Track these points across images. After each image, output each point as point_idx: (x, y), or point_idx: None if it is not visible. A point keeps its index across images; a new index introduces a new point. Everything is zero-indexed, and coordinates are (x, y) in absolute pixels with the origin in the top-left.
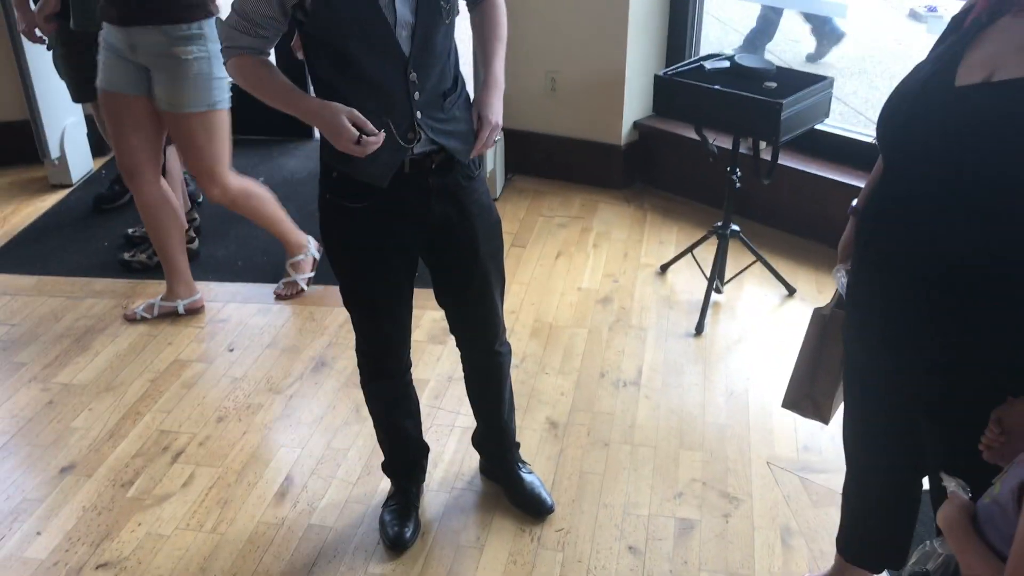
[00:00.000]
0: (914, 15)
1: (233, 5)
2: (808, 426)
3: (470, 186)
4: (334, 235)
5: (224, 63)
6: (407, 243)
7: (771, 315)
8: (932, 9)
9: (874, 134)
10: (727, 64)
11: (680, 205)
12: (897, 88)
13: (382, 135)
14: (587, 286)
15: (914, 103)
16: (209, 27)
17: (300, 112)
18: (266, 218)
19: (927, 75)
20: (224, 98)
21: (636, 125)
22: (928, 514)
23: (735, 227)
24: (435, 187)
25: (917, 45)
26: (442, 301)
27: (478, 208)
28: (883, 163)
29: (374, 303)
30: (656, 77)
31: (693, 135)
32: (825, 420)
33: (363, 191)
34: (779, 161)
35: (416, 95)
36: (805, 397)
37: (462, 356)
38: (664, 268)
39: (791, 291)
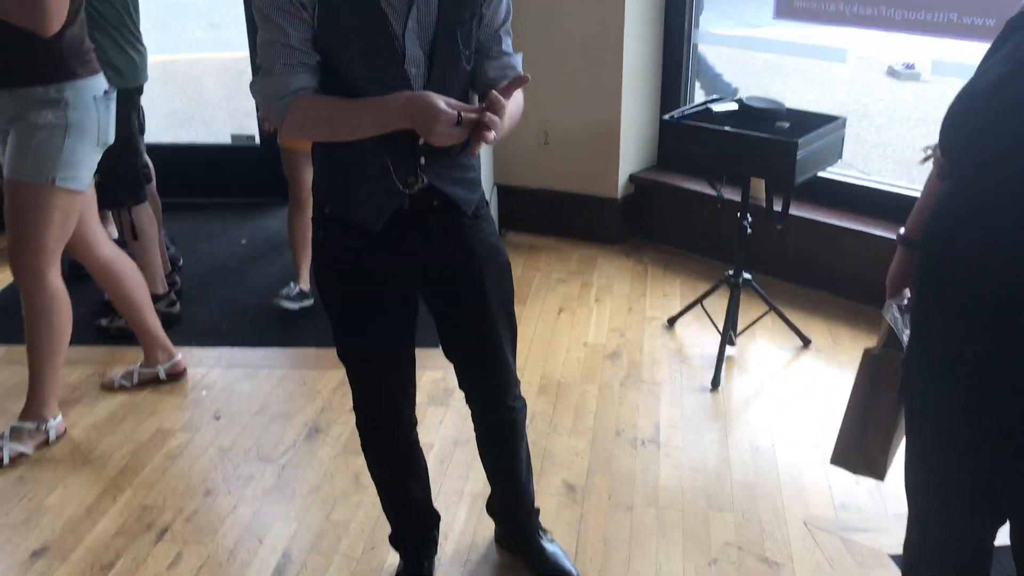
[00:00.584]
0: (892, 72)
1: (267, 44)
2: (843, 482)
3: (475, 225)
4: (327, 276)
5: (281, 121)
6: (406, 284)
7: (787, 367)
8: (909, 66)
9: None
10: (735, 106)
11: (680, 258)
12: (961, 94)
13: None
14: (593, 341)
15: (988, 105)
16: (72, 92)
17: (384, 115)
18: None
19: (998, 77)
20: (72, 177)
21: (632, 178)
22: (1005, 570)
23: (747, 275)
24: (436, 226)
25: (899, 99)
26: (449, 352)
27: (485, 249)
28: (951, 177)
29: (370, 350)
30: (663, 122)
31: (691, 186)
32: (880, 475)
33: (357, 228)
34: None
35: (421, 139)
36: (857, 451)
37: (472, 414)
38: (672, 321)
39: (806, 342)
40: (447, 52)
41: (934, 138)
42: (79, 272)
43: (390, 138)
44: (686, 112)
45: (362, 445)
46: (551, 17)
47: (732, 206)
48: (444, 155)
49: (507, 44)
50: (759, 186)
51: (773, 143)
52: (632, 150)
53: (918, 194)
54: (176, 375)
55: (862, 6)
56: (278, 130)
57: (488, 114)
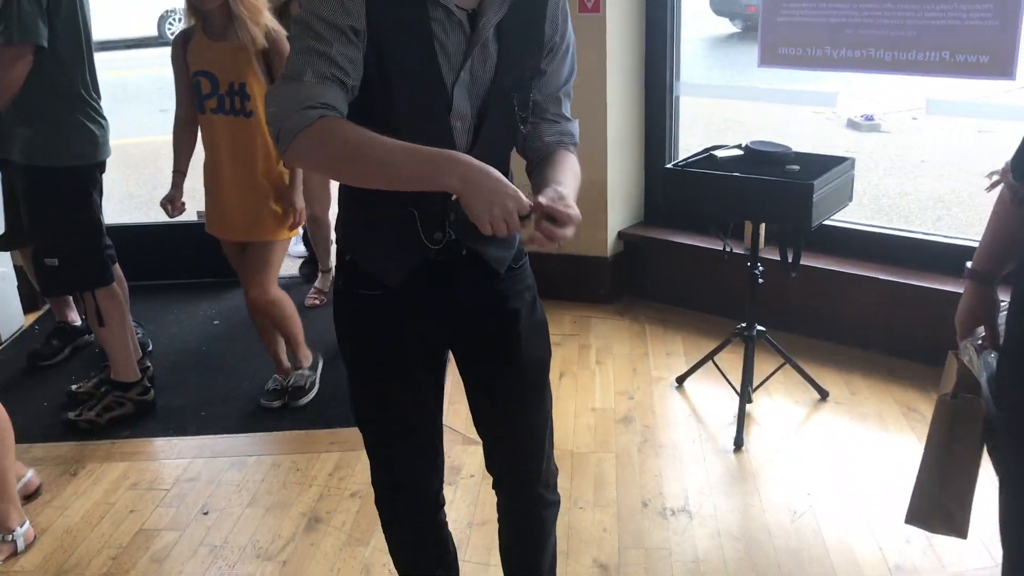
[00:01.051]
0: (852, 124)
1: (303, 51)
2: (893, 542)
3: (510, 279)
4: (345, 330)
5: (296, 135)
6: (431, 344)
7: (808, 422)
8: (869, 117)
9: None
10: (739, 151)
11: (677, 315)
12: None
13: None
14: (601, 406)
15: None
16: None
17: (433, 169)
18: None
19: None
20: None
21: (621, 235)
22: None
23: (760, 327)
24: (465, 282)
25: (863, 149)
26: (479, 425)
27: (520, 305)
28: None
29: (390, 416)
30: (666, 171)
31: (681, 240)
32: (962, 533)
33: (374, 279)
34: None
35: (454, 195)
36: (936, 508)
37: (498, 502)
38: (681, 380)
39: (824, 395)
40: (499, 114)
41: (909, 183)
42: (41, 363)
43: (423, 192)
44: (690, 160)
45: (382, 526)
46: None
47: (736, 257)
48: None
49: (566, 107)
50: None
51: (788, 186)
52: (619, 207)
53: (912, 234)
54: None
55: (850, 49)
56: (282, 150)
57: (560, 231)
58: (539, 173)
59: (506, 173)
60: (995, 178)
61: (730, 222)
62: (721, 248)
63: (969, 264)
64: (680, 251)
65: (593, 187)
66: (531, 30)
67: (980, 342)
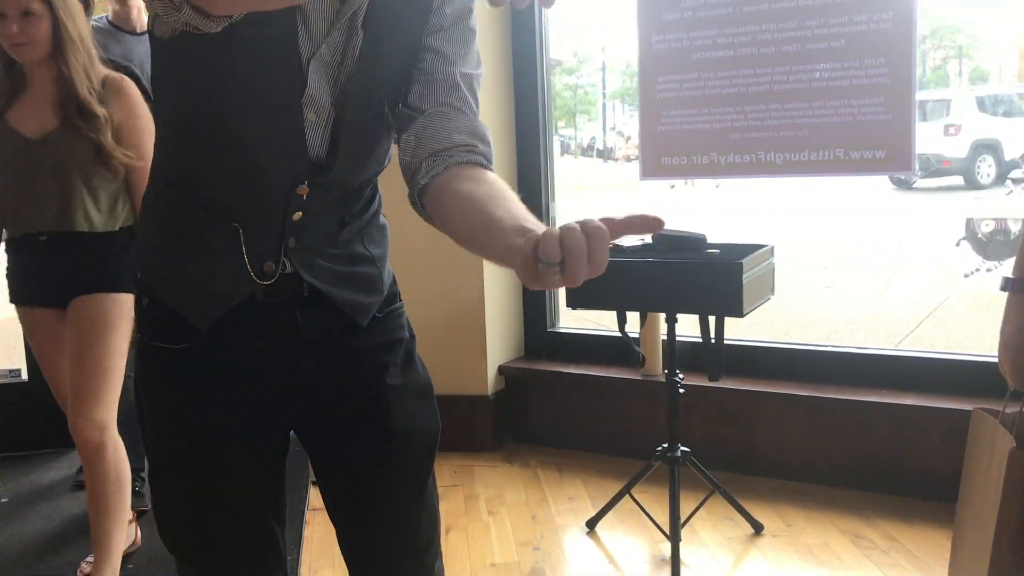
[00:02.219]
0: None
1: None
2: None
3: (372, 331)
4: (144, 401)
5: None
6: (261, 420)
7: (747, 561)
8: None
9: None
10: (646, 241)
11: (571, 458)
12: None
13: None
14: (502, 560)
15: None
16: None
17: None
18: None
19: None
20: None
21: (502, 370)
22: None
23: (685, 448)
24: (307, 328)
25: None
26: (342, 541)
27: (388, 357)
28: None
29: (206, 530)
30: None
31: (571, 370)
32: None
33: (184, 324)
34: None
35: (297, 214)
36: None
37: None
38: (592, 524)
39: (758, 528)
40: (365, 116)
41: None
42: None
43: (251, 203)
44: None
45: None
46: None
47: (634, 384)
48: (324, 241)
49: (470, 99)
50: (651, 341)
51: (714, 267)
52: (498, 337)
53: (824, 348)
54: None
55: (737, 154)
56: None
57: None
58: (471, 203)
59: (370, 201)
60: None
61: (645, 311)
62: (613, 376)
63: (1009, 275)
64: (570, 383)
65: (468, 315)
66: (411, 10)
67: None
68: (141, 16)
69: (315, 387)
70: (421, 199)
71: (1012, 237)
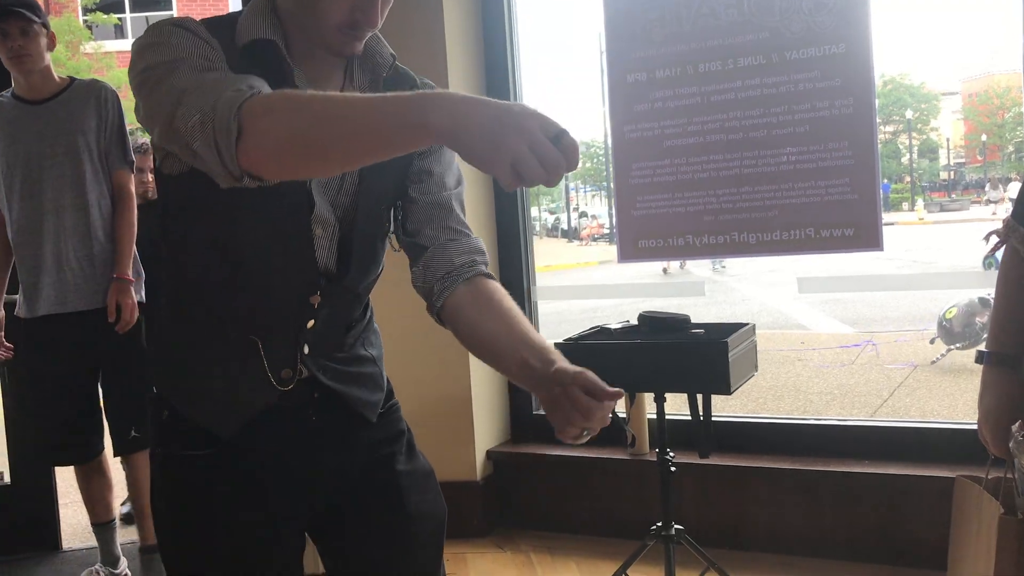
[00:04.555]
0: None
1: (178, 63)
2: None
3: (379, 426)
4: (166, 511)
5: (248, 114)
6: (282, 522)
7: None
8: None
9: None
10: (631, 323)
11: (563, 541)
12: None
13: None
14: None
15: None
16: None
17: (418, 105)
18: None
19: None
20: None
21: (490, 455)
22: None
23: (678, 526)
24: (321, 427)
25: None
26: None
27: (395, 449)
28: None
29: None
30: (558, 345)
31: (559, 452)
32: None
33: (206, 434)
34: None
35: (310, 322)
36: None
37: None
38: None
39: None
40: (367, 228)
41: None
42: None
43: (268, 318)
44: (581, 336)
45: None
46: (389, 283)
47: (622, 464)
48: (334, 346)
49: (463, 217)
50: (639, 420)
51: (700, 347)
52: (486, 422)
53: (806, 421)
54: None
55: (712, 236)
56: (230, 152)
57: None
58: (481, 322)
59: (366, 308)
60: (995, 240)
61: (632, 396)
62: (601, 457)
63: (983, 348)
64: (558, 465)
65: (456, 401)
66: None
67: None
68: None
69: (332, 481)
70: (440, 316)
71: (978, 327)
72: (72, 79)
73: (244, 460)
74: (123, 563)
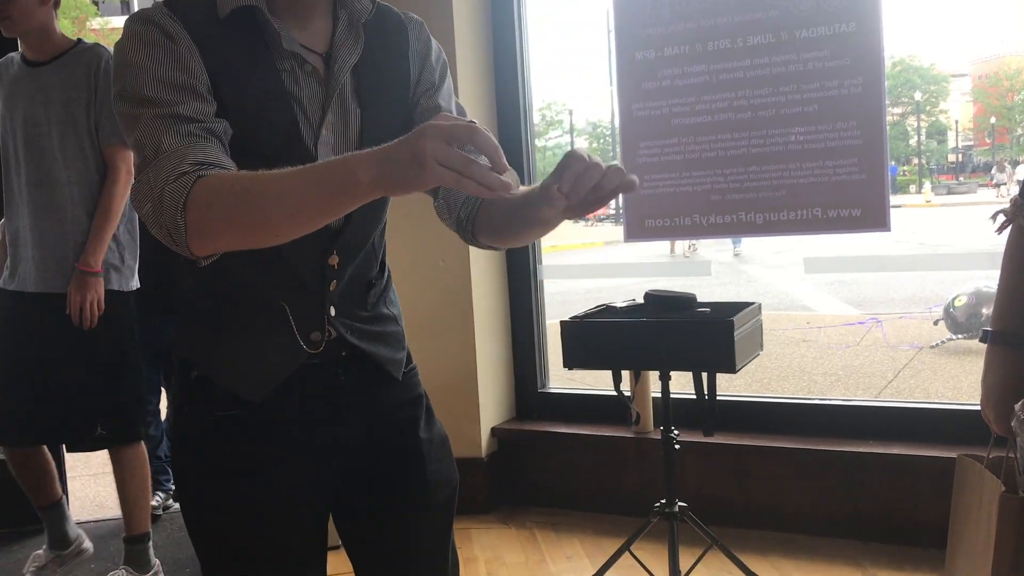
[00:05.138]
0: None
1: (148, 123)
2: None
3: (403, 385)
4: (189, 470)
5: (182, 213)
6: (311, 481)
7: None
8: None
9: None
10: (637, 302)
11: (567, 517)
12: None
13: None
14: None
15: None
16: None
17: (348, 170)
18: None
19: None
20: None
21: (495, 431)
22: None
23: (682, 504)
24: (348, 386)
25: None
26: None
27: (417, 413)
28: None
29: None
30: (564, 323)
31: (563, 430)
32: None
33: (231, 397)
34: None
35: (333, 283)
36: None
37: None
38: None
39: None
40: None
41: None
42: None
43: (292, 285)
44: (587, 315)
45: None
46: (394, 260)
47: (626, 441)
48: (358, 305)
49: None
50: (643, 399)
51: (706, 326)
52: (491, 400)
53: (810, 400)
54: None
55: (719, 215)
56: (183, 244)
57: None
58: (506, 206)
59: (383, 266)
60: (1002, 219)
61: (640, 369)
62: (606, 435)
63: (987, 328)
64: (563, 442)
65: (461, 378)
66: (394, 76)
67: None
68: None
69: (357, 441)
70: (476, 239)
71: (983, 320)
72: (78, 41)
73: (271, 420)
74: (79, 540)
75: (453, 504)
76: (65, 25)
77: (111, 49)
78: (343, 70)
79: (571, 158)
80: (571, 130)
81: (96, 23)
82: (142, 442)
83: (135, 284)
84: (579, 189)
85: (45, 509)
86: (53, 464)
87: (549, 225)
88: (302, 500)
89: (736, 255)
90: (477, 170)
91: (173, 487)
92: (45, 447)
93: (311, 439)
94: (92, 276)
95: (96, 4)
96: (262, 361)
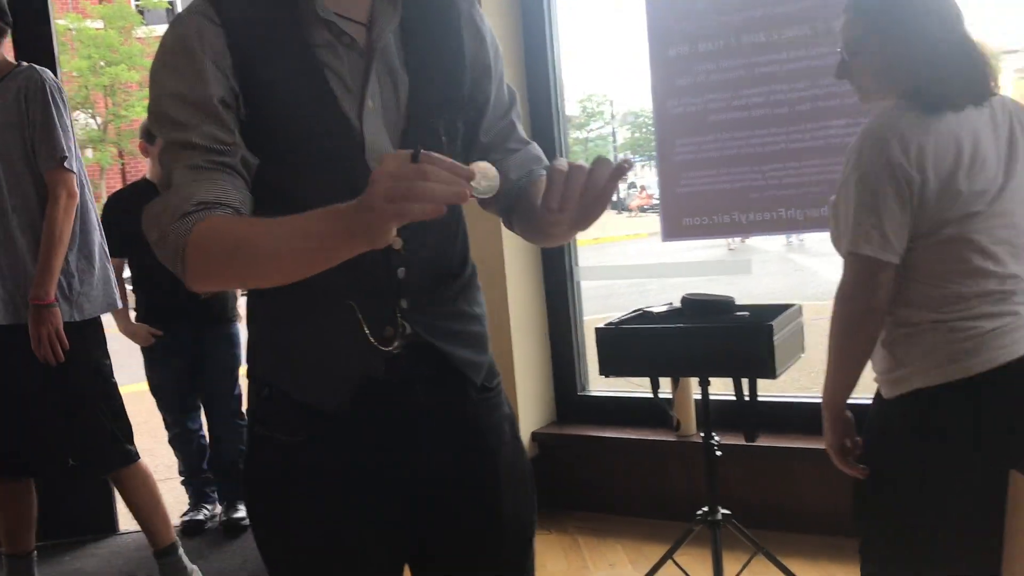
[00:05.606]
0: None
1: (166, 147)
2: None
3: (488, 404)
4: (259, 495)
5: (182, 258)
6: (385, 512)
7: None
8: None
9: None
10: (674, 306)
11: (610, 523)
12: None
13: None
14: None
15: None
16: None
17: (323, 225)
18: None
19: None
20: None
21: (535, 436)
22: None
23: (725, 511)
24: (430, 408)
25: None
26: None
27: (500, 441)
28: None
29: None
30: (599, 330)
31: (604, 434)
32: None
33: (305, 416)
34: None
35: (401, 271)
36: None
37: None
38: None
39: None
40: (426, 145)
41: None
42: None
43: (354, 273)
44: (622, 320)
45: None
46: None
47: (669, 445)
48: (435, 299)
49: (521, 131)
50: (684, 403)
51: (745, 331)
52: (531, 404)
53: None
54: None
55: (758, 213)
56: (187, 282)
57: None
58: (529, 207)
59: (464, 260)
60: None
61: (678, 376)
62: (647, 439)
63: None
64: (603, 447)
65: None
66: (445, 42)
67: None
68: None
69: (434, 463)
70: (512, 224)
71: None
72: (17, 64)
73: (345, 447)
74: None
75: (530, 551)
76: (112, 35)
77: (43, 71)
78: (383, 34)
79: (551, 172)
80: (612, 119)
81: (142, 31)
82: (138, 460)
83: (97, 310)
84: (570, 199)
85: (12, 558)
86: (35, 514)
87: (567, 236)
88: (377, 526)
89: (787, 243)
90: (424, 191)
91: (218, 500)
92: (32, 494)
93: (384, 470)
94: (45, 308)
95: (141, 13)
96: (334, 365)
